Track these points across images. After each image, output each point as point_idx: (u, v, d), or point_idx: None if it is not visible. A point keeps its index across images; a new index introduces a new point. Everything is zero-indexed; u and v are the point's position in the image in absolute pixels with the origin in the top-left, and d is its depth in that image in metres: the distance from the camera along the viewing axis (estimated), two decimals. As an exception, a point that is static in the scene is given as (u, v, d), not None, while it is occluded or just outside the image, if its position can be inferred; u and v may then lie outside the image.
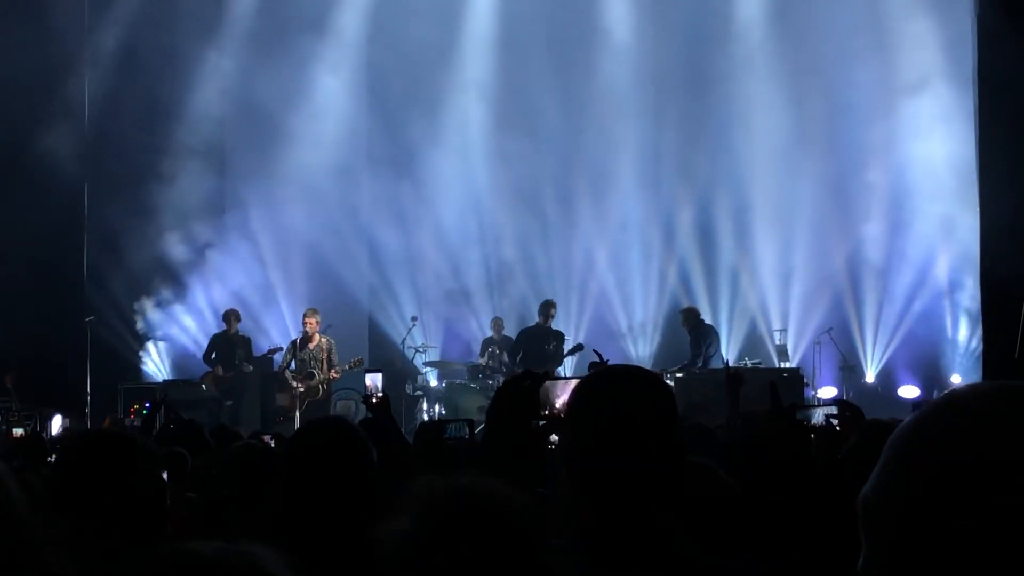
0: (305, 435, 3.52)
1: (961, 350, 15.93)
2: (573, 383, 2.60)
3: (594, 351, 5.74)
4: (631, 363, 14.52)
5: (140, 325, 17.22)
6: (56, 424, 14.63)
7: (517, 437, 2.56)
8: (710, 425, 5.77)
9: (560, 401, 2.70)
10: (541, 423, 2.60)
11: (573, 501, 2.32)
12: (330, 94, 17.54)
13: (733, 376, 6.19)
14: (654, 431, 2.30)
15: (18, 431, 12.94)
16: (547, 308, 15.50)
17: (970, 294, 15.30)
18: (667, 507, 2.33)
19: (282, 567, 1.01)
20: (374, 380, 8.01)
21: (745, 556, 2.81)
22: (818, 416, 5.84)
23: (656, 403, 2.33)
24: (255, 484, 4.50)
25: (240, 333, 15.89)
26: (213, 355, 15.74)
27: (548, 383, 2.68)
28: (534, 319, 15.73)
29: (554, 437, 2.64)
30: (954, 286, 15.99)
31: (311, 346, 14.91)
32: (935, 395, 15.26)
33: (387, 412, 5.62)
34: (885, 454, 1.20)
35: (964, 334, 15.89)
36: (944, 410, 1.18)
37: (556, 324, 15.87)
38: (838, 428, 5.22)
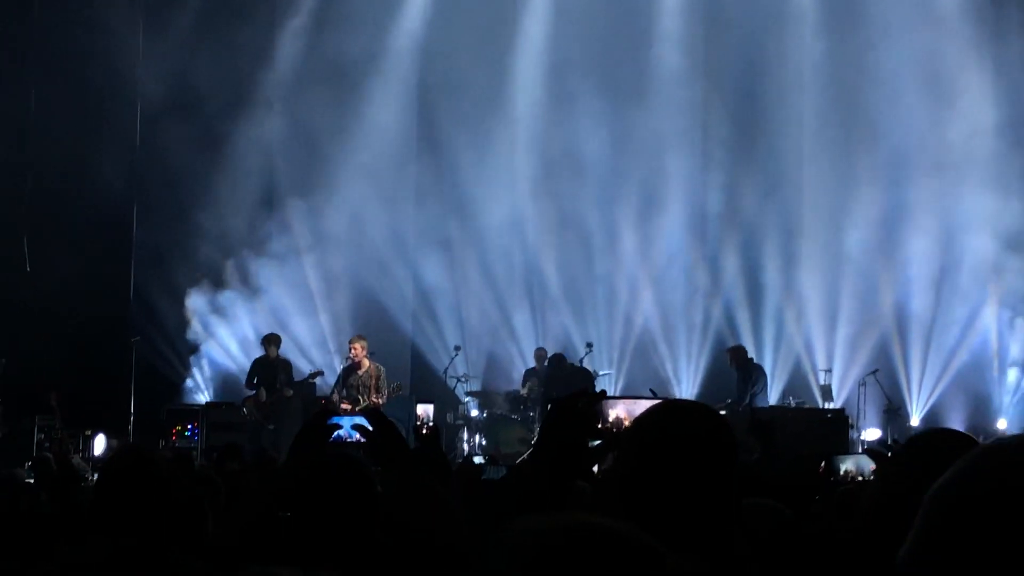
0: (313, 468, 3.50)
1: (1008, 395, 15.74)
2: (625, 402, 2.57)
3: (650, 390, 5.68)
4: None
5: (184, 347, 17.32)
6: (99, 444, 14.72)
7: (574, 458, 2.53)
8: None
9: (612, 416, 2.67)
10: (597, 442, 2.57)
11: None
12: (379, 126, 17.64)
13: (762, 423, 6.07)
14: (714, 465, 2.30)
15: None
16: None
17: (1019, 338, 15.11)
18: (723, 538, 2.30)
19: None
20: (426, 411, 7.95)
21: None
22: (850, 464, 5.64)
23: (716, 437, 2.33)
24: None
25: (281, 357, 15.90)
26: (255, 380, 15.75)
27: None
28: (577, 351, 15.63)
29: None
30: (1002, 330, 15.81)
31: (360, 372, 14.81)
32: (981, 440, 15.10)
33: (437, 443, 5.50)
34: (924, 509, 1.17)
35: (1012, 379, 15.69)
36: (981, 464, 1.13)
37: (598, 359, 15.75)
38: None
